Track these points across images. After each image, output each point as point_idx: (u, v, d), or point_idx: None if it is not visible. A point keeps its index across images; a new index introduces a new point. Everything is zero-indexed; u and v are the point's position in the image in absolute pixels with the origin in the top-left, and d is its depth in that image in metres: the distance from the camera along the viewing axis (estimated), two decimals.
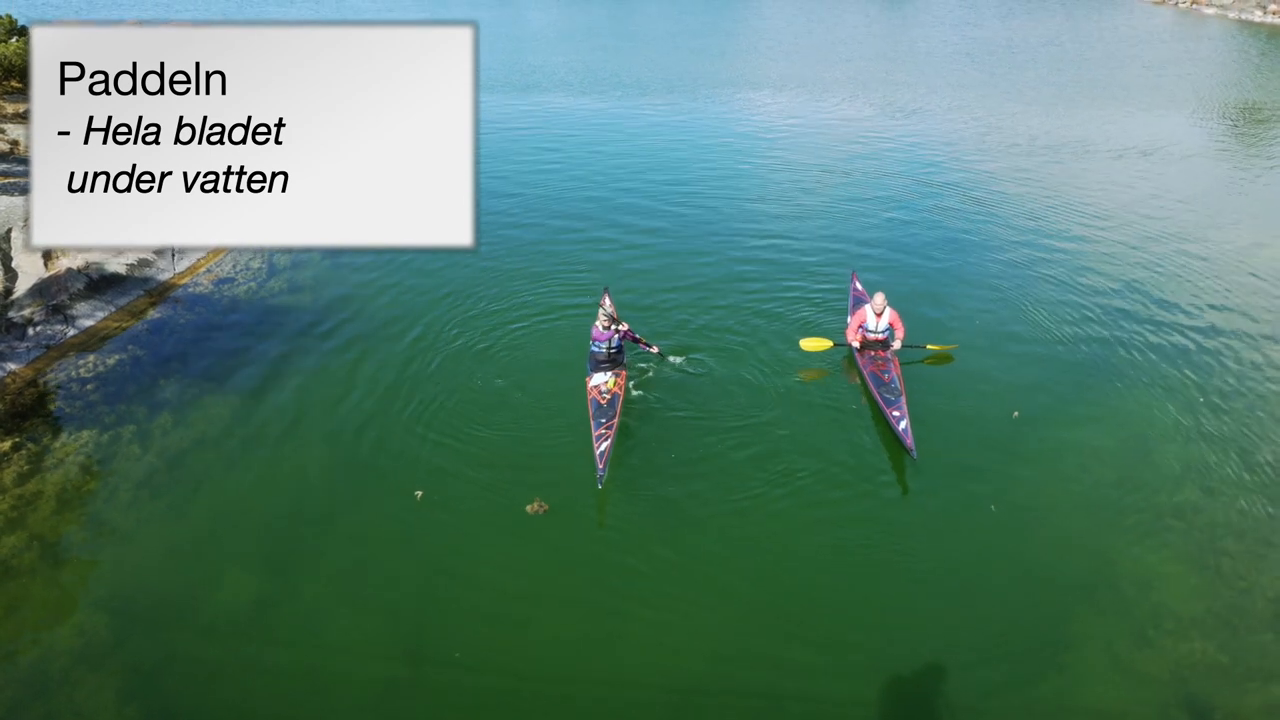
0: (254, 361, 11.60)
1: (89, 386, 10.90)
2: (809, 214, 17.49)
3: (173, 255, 14.38)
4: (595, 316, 10.92)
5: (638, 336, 11.21)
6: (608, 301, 11.92)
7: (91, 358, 11.51)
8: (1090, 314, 13.10)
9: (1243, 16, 47.78)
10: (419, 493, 9.21)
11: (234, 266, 14.43)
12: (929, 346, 11.84)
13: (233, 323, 12.63)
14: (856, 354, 11.36)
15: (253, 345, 12.00)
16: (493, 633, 7.61)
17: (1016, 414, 10.54)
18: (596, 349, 10.74)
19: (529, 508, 8.92)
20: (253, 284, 13.83)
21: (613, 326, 10.64)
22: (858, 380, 11.29)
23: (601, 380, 10.39)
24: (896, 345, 11.27)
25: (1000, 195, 18.65)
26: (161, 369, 11.37)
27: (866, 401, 10.90)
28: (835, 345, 11.65)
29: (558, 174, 20.06)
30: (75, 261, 13.17)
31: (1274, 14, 46.11)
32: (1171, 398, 10.93)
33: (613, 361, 10.71)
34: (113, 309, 12.82)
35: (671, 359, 11.57)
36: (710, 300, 13.50)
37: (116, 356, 11.60)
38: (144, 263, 13.99)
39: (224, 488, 9.33)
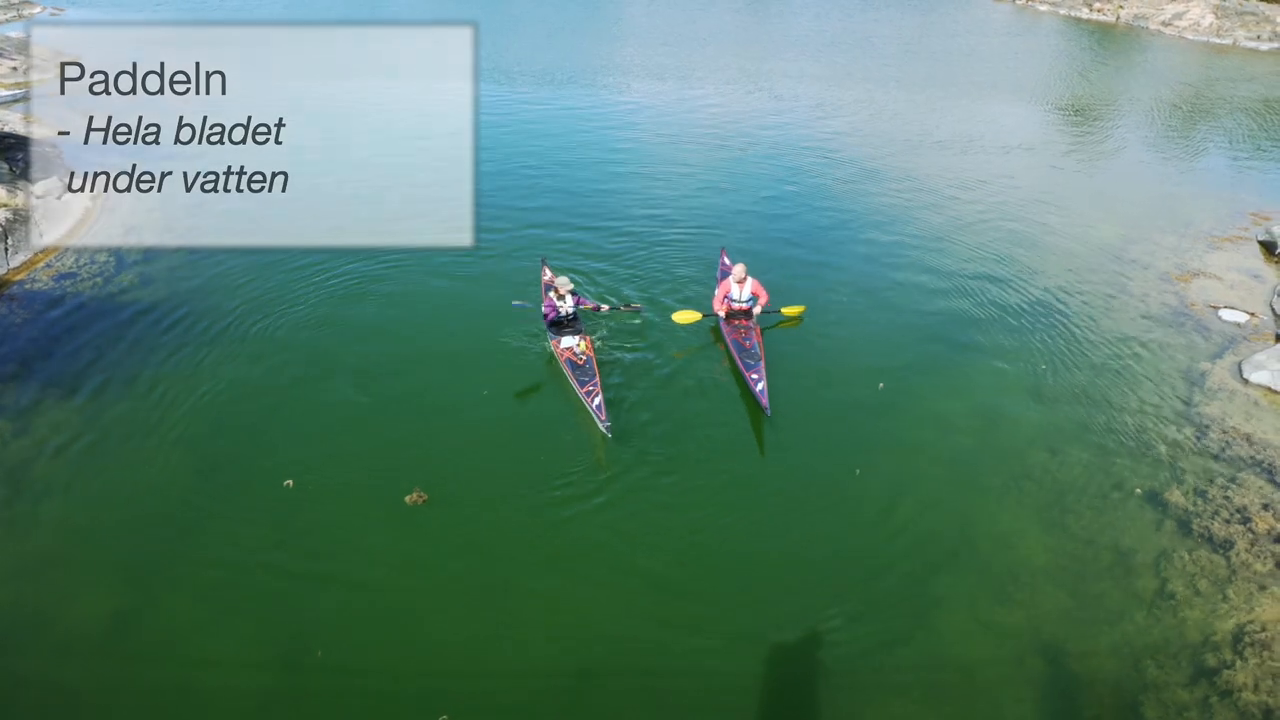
0: (101, 361, 10.80)
1: None
2: (684, 194, 17.70)
3: (4, 250, 13.20)
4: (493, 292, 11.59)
5: (586, 301, 11.62)
6: (548, 273, 12.55)
7: None
8: (945, 292, 13.86)
9: (1072, 14, 51.42)
10: (289, 482, 8.89)
11: (77, 261, 13.37)
12: (783, 310, 12.53)
13: (77, 321, 11.69)
14: (722, 323, 11.86)
15: (100, 344, 11.16)
16: (375, 632, 7.41)
17: (882, 385, 11.07)
18: (556, 316, 11.24)
19: (408, 498, 8.73)
20: (99, 279, 12.85)
21: (566, 295, 11.18)
22: (723, 348, 11.73)
23: (571, 343, 10.90)
24: (757, 311, 11.81)
25: (865, 180, 19.41)
26: None
27: (730, 368, 11.33)
28: (704, 316, 12.04)
29: (438, 160, 19.55)
30: None
31: (1098, 12, 49.91)
32: (1019, 366, 11.73)
33: (573, 326, 11.25)
34: None
35: (622, 307, 12.25)
36: (588, 275, 13.58)
37: None
38: None
39: (73, 498, 8.68)
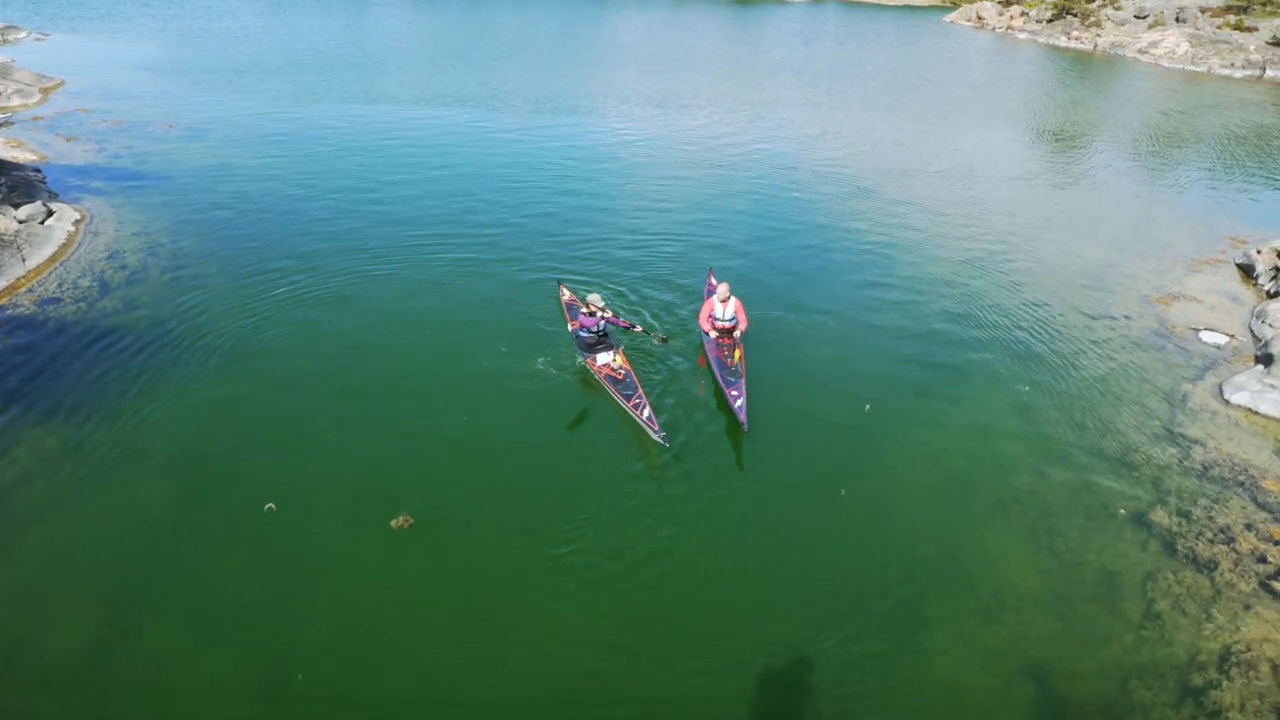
0: (82, 386, 10.71)
1: None
2: (679, 217, 17.82)
3: None
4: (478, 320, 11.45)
5: (616, 318, 11.64)
6: (566, 293, 12.64)
7: None
8: (931, 316, 13.97)
9: (1051, 41, 52.40)
10: (270, 505, 8.80)
11: (60, 285, 13.30)
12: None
13: (60, 346, 11.60)
14: (705, 340, 11.89)
15: (81, 369, 11.08)
16: (361, 660, 7.31)
17: (868, 407, 11.10)
18: (586, 334, 11.29)
19: (394, 522, 8.66)
20: (82, 303, 12.78)
21: (598, 313, 11.25)
22: (704, 365, 11.78)
23: (608, 359, 11.00)
24: (738, 334, 11.78)
25: (855, 205, 19.61)
26: None
27: (710, 386, 11.35)
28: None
29: (435, 185, 19.61)
30: None
31: (1076, 40, 50.84)
32: (1005, 389, 11.81)
33: (604, 341, 11.33)
34: None
35: (653, 338, 12.21)
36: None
37: None
38: None
39: (53, 526, 8.55)
